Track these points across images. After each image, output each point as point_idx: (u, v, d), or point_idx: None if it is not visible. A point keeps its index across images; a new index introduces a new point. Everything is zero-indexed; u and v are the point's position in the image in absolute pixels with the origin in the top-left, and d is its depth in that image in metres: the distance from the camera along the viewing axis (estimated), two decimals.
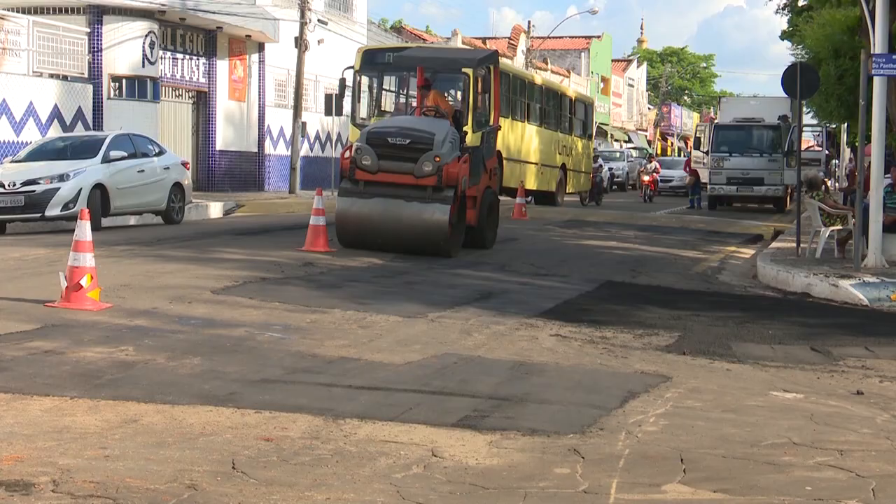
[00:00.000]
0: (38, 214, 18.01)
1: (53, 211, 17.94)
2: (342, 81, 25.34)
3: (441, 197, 15.16)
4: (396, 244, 15.31)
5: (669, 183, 47.07)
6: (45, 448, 5.61)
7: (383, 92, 25.13)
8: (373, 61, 24.52)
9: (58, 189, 17.90)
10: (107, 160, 18.83)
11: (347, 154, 15.65)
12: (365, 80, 24.45)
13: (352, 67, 24.86)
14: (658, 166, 44.62)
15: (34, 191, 17.92)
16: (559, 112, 32.25)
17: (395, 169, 15.26)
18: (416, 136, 15.44)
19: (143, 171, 19.61)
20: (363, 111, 24.59)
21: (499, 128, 19.05)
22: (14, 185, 17.94)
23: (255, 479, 5.27)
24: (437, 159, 15.18)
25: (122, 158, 19.08)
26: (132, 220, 20.96)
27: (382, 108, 25.07)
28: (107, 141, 19.24)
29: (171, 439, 5.87)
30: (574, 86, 64.12)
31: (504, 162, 25.83)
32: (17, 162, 19.03)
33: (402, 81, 24.54)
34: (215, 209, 25.25)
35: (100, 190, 18.40)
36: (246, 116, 33.78)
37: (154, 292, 10.92)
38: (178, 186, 20.71)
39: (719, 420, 6.87)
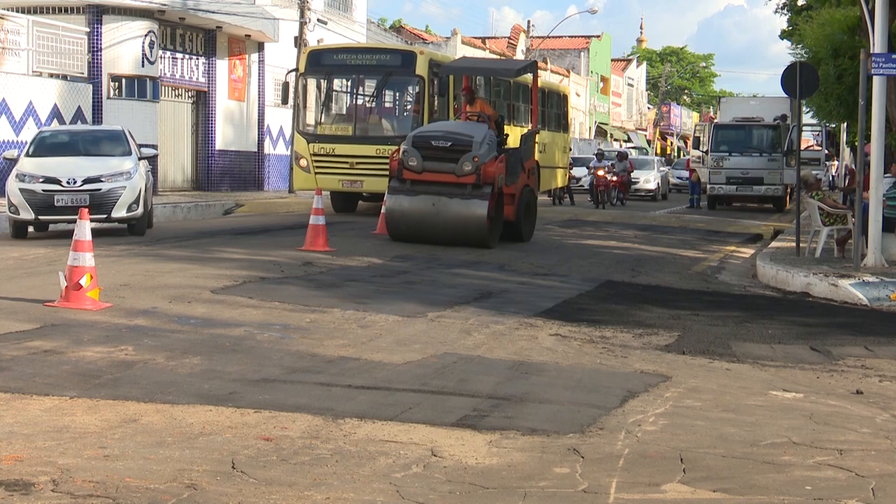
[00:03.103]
0: (104, 216, 16.44)
1: (119, 213, 16.58)
2: (285, 85, 24.32)
3: (480, 193, 16.65)
4: (440, 236, 16.76)
5: (634, 185, 40.24)
6: (44, 448, 5.61)
7: (334, 93, 24.00)
8: (319, 63, 23.31)
9: (123, 188, 16.56)
10: (140, 157, 17.71)
11: (396, 156, 17.22)
12: (311, 83, 23.33)
13: (296, 70, 23.80)
14: (630, 165, 38.84)
15: (99, 189, 16.37)
16: (529, 106, 30.38)
17: (438, 169, 16.81)
18: (456, 139, 17.00)
19: (148, 169, 18.65)
20: (309, 117, 23.41)
21: (538, 131, 20.62)
22: (74, 182, 16.26)
23: (255, 478, 5.27)
24: (476, 160, 16.71)
25: (147, 157, 18.05)
26: None
27: (336, 110, 23.93)
28: (129, 136, 18.08)
29: (171, 439, 5.88)
30: (574, 85, 64.10)
31: None
32: (33, 157, 17.19)
33: (355, 83, 23.39)
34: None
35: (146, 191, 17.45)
36: (245, 116, 33.76)
37: (153, 292, 10.92)
38: (153, 186, 19.75)
39: (719, 419, 6.87)
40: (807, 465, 5.90)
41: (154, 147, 26.04)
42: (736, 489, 5.43)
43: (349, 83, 23.88)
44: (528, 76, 23.33)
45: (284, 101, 24.71)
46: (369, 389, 7.24)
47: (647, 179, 41.34)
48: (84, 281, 9.88)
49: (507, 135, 19.06)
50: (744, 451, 6.12)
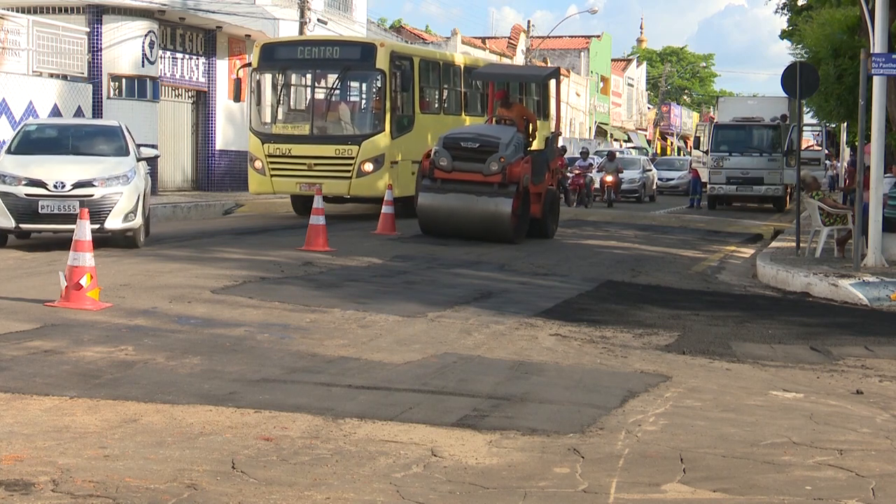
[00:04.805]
0: (97, 226, 13.72)
1: (114, 223, 14.36)
2: (237, 82, 23.20)
3: (506, 192, 17.63)
4: (468, 232, 17.66)
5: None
6: (44, 448, 5.61)
7: (289, 90, 22.83)
8: (273, 57, 22.00)
9: (119, 194, 14.41)
10: (139, 158, 15.60)
11: (429, 156, 18.17)
12: (265, 78, 22.06)
13: (248, 65, 22.48)
14: (621, 165, 36.37)
15: (91, 195, 14.16)
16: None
17: (467, 168, 17.77)
18: (484, 140, 18.05)
19: (148, 171, 16.71)
20: (265, 115, 22.15)
21: (560, 133, 21.52)
22: (63, 186, 14.16)
23: (255, 478, 5.27)
24: (503, 160, 17.66)
25: (148, 158, 16.21)
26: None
27: (292, 108, 22.83)
28: (126, 133, 15.95)
29: (171, 439, 5.88)
30: (574, 85, 64.04)
31: None
32: (16, 154, 15.12)
33: (312, 79, 22.31)
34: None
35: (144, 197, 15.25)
36: (246, 116, 33.74)
37: (154, 292, 10.93)
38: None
39: (719, 419, 6.87)
40: (807, 465, 5.90)
41: (154, 147, 25.99)
42: (736, 489, 5.44)
43: (305, 78, 22.77)
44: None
45: (237, 98, 23.43)
46: (369, 389, 7.24)
47: (633, 179, 38.29)
48: (84, 281, 9.88)
49: (534, 137, 19.65)
50: (744, 451, 6.12)
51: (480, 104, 26.27)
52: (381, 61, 21.24)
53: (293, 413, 6.50)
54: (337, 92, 22.45)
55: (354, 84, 23.12)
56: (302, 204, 22.57)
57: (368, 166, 20.82)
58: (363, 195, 21.44)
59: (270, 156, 21.48)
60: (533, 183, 18.40)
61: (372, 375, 7.68)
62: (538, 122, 22.20)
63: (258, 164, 21.66)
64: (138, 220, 14.99)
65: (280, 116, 22.25)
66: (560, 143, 36.72)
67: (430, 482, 5.35)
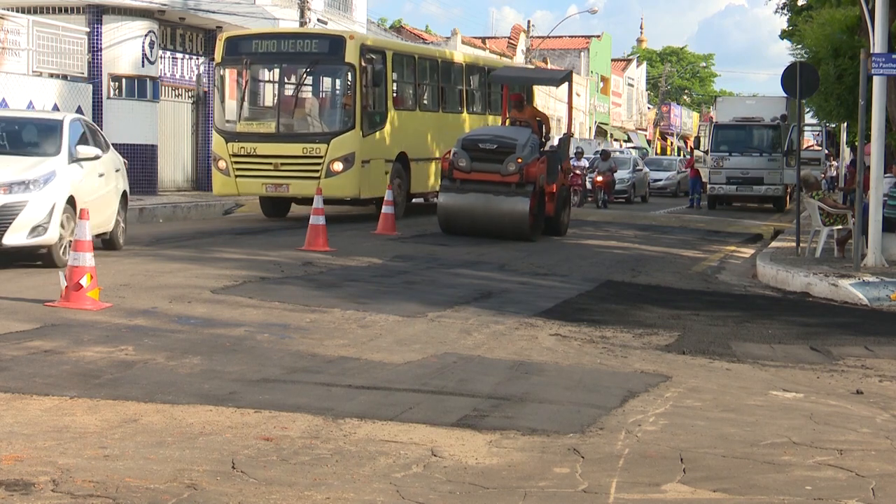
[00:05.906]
0: None
1: (15, 237, 11.86)
2: (199, 78, 22.22)
3: (523, 191, 18.36)
4: (487, 230, 18.34)
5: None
6: (44, 448, 5.61)
7: (255, 85, 21.83)
8: (237, 51, 20.81)
9: (23, 204, 11.87)
10: (74, 159, 12.98)
11: (448, 157, 18.90)
12: (229, 74, 20.95)
13: (212, 59, 21.60)
14: (614, 165, 35.18)
15: None
16: (486, 90, 26.65)
17: (485, 169, 18.46)
18: (501, 141, 18.79)
19: (102, 174, 13.89)
20: (229, 112, 20.97)
21: (572, 135, 22.41)
22: None
23: (255, 478, 5.27)
24: (520, 160, 18.34)
25: (87, 159, 13.28)
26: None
27: (258, 104, 21.83)
28: (66, 129, 13.22)
29: (171, 439, 5.88)
30: (574, 85, 64.01)
31: (412, 165, 22.36)
32: None
33: (279, 74, 21.25)
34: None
35: (72, 206, 12.42)
36: None
37: (153, 292, 10.93)
38: (124, 197, 14.88)
39: (719, 419, 6.88)
40: (807, 465, 5.91)
41: (153, 146, 25.97)
42: (736, 489, 5.44)
43: (271, 74, 21.69)
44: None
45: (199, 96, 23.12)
46: (369, 389, 7.25)
47: (623, 179, 37.09)
48: (84, 281, 9.88)
49: (549, 138, 20.28)
50: (744, 451, 6.13)
51: (460, 100, 25.42)
52: (351, 55, 20.29)
53: (293, 413, 6.50)
54: (305, 87, 21.61)
55: (323, 79, 22.20)
56: (271, 206, 21.88)
57: (338, 165, 19.92)
58: (333, 196, 20.26)
59: (235, 155, 20.35)
60: (547, 182, 19.04)
61: (372, 375, 7.68)
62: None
63: (222, 164, 20.49)
64: (52, 235, 12.19)
65: (245, 113, 21.11)
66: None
67: (430, 482, 5.35)
